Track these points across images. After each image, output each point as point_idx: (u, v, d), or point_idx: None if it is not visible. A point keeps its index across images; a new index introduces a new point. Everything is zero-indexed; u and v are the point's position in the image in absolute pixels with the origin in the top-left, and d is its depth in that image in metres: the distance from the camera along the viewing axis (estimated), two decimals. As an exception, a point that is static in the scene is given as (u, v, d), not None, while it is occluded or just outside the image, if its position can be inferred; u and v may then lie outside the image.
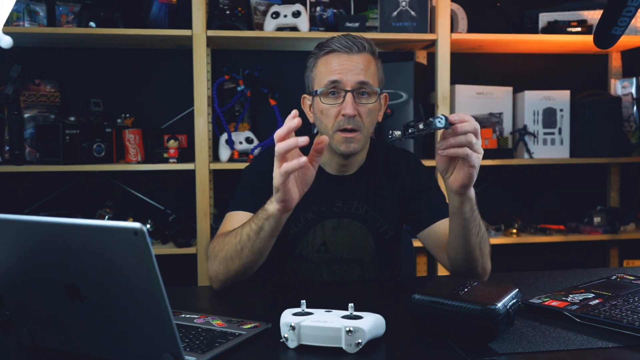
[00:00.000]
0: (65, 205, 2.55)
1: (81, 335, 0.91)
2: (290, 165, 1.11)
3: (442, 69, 2.49)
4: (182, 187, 2.55)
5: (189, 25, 2.35)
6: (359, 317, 0.95)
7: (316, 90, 1.44)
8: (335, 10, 2.51)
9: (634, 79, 2.79)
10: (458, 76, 2.64)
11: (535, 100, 2.65)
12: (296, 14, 2.40)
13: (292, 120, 1.10)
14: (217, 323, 1.05)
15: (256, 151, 2.44)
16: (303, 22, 2.40)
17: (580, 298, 1.17)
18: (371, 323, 0.95)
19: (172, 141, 2.41)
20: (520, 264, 2.86)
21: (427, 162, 1.67)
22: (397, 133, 1.15)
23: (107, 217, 2.44)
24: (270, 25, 2.41)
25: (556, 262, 2.89)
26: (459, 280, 1.10)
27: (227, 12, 2.38)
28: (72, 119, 2.37)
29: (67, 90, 2.56)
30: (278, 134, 1.11)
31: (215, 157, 2.54)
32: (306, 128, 2.55)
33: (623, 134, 2.75)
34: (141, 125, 2.52)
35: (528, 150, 2.64)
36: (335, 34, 1.49)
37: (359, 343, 0.92)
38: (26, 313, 0.95)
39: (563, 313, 1.10)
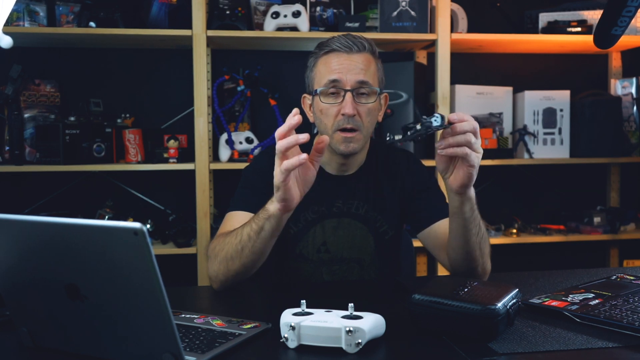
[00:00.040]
0: (65, 205, 2.55)
1: (81, 335, 0.91)
2: (290, 162, 1.11)
3: (442, 69, 2.49)
4: (182, 187, 2.55)
5: (189, 25, 2.35)
6: (359, 317, 0.95)
7: (316, 90, 1.44)
8: (335, 10, 2.51)
9: (634, 79, 2.79)
10: (458, 76, 2.64)
11: (535, 100, 2.65)
12: (296, 14, 2.40)
13: (293, 118, 1.11)
14: (217, 323, 1.05)
15: (256, 151, 2.44)
16: (303, 22, 2.40)
17: (580, 298, 1.17)
18: (371, 323, 0.95)
19: (172, 141, 2.41)
20: (520, 264, 2.86)
21: (427, 162, 1.67)
22: (397, 137, 1.15)
23: (107, 217, 2.44)
24: (270, 25, 2.41)
25: (556, 262, 2.89)
26: (459, 280, 1.10)
27: (227, 12, 2.38)
28: (72, 119, 2.37)
29: (67, 90, 2.56)
30: (279, 131, 1.11)
31: (215, 157, 2.54)
32: (306, 128, 2.55)
33: (623, 134, 2.75)
34: (141, 125, 2.52)
35: (528, 150, 2.64)
36: (335, 34, 1.49)
37: (359, 343, 0.92)
38: (26, 313, 0.95)
39: (563, 313, 1.10)
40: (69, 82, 2.57)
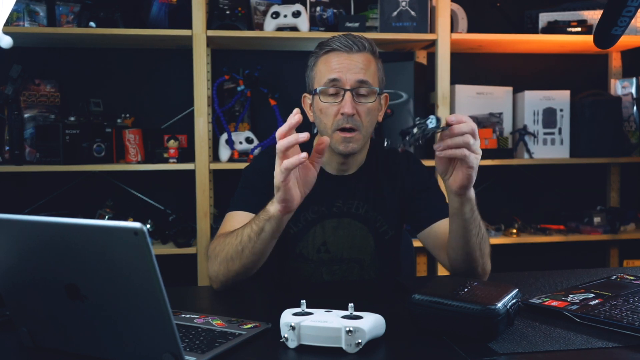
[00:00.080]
0: (65, 205, 2.55)
1: (81, 335, 0.91)
2: (290, 161, 1.11)
3: (442, 69, 2.49)
4: (182, 187, 2.55)
5: (189, 25, 2.35)
6: (359, 317, 0.95)
7: (316, 89, 1.44)
8: (335, 10, 2.51)
9: (634, 79, 2.79)
10: (458, 76, 2.64)
11: (535, 100, 2.65)
12: (296, 14, 2.40)
13: (293, 117, 1.10)
14: (217, 323, 1.05)
15: (256, 151, 2.44)
16: (303, 22, 2.40)
17: (580, 298, 1.17)
18: (371, 323, 0.95)
19: (172, 141, 2.41)
20: (520, 264, 2.86)
21: (427, 162, 1.67)
22: (398, 144, 1.14)
23: (107, 217, 2.44)
24: (270, 25, 2.41)
25: (556, 262, 2.89)
26: (459, 280, 1.10)
27: (227, 12, 2.38)
28: (72, 119, 2.37)
29: (67, 90, 2.56)
30: (279, 131, 1.11)
31: (215, 157, 2.54)
32: (306, 127, 2.55)
33: (623, 134, 2.75)
34: (141, 125, 2.52)
35: (528, 150, 2.64)
36: (335, 34, 1.49)
37: (359, 343, 0.92)
38: (26, 313, 0.95)
39: (563, 313, 1.10)
40: (69, 82, 2.57)
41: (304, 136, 1.10)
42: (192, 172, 2.39)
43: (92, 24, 2.34)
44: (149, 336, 0.85)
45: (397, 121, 2.51)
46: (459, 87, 2.62)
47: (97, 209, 2.49)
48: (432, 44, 2.54)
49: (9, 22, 2.28)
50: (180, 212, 2.58)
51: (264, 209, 1.24)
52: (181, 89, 2.60)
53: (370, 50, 1.45)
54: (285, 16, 2.40)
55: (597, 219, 2.71)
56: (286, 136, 1.11)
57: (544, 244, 2.77)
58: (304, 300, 1.00)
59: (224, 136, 2.46)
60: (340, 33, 1.49)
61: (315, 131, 1.60)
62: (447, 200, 1.29)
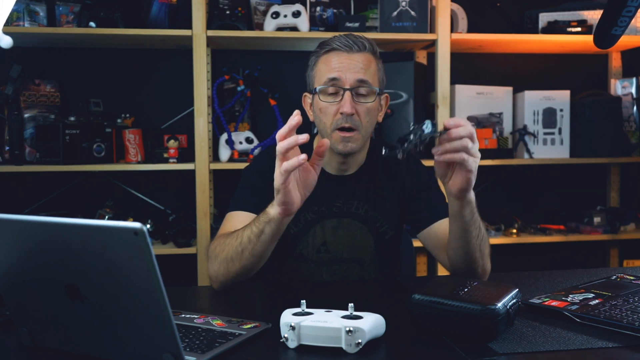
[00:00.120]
0: (65, 205, 2.55)
1: (81, 335, 0.91)
2: (289, 163, 1.11)
3: (442, 69, 2.49)
4: (182, 187, 2.55)
5: (189, 25, 2.35)
6: (359, 317, 0.95)
7: (316, 88, 1.44)
8: (335, 10, 2.51)
9: (634, 79, 2.79)
10: (458, 76, 2.64)
11: (535, 100, 2.65)
12: (296, 14, 2.40)
13: (293, 119, 1.10)
14: (217, 323, 1.05)
15: (256, 151, 2.44)
16: (303, 22, 2.40)
17: (580, 298, 1.17)
18: (371, 323, 0.95)
19: (172, 141, 2.41)
20: (520, 264, 2.86)
21: (427, 162, 1.67)
22: (397, 152, 1.14)
23: (107, 217, 2.44)
24: (270, 25, 2.41)
25: (556, 262, 2.89)
26: (459, 280, 1.10)
27: (227, 12, 2.38)
28: (72, 119, 2.37)
29: (67, 90, 2.56)
30: (279, 133, 1.11)
31: (215, 157, 2.54)
32: (306, 127, 2.55)
33: (623, 134, 2.75)
34: (141, 125, 2.52)
35: (528, 150, 2.64)
36: (335, 34, 1.49)
37: (359, 343, 0.92)
38: (26, 313, 0.95)
39: (563, 313, 1.10)
40: (69, 82, 2.57)
41: (304, 138, 1.10)
42: (192, 172, 2.39)
43: (92, 24, 2.34)
44: (149, 336, 0.85)
45: (397, 121, 2.51)
46: (459, 87, 2.62)
47: (97, 209, 2.49)
48: (432, 44, 2.54)
49: (9, 22, 2.28)
50: (180, 212, 2.58)
51: (264, 211, 1.23)
52: (181, 89, 2.60)
53: (371, 51, 1.45)
54: (285, 16, 2.40)
55: (597, 219, 2.71)
56: (286, 138, 1.11)
57: (544, 244, 2.77)
58: (304, 300, 1.00)
59: (224, 136, 2.46)
60: (341, 33, 1.49)
61: (315, 131, 1.60)
62: (447, 201, 1.29)
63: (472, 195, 1.23)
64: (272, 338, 1.00)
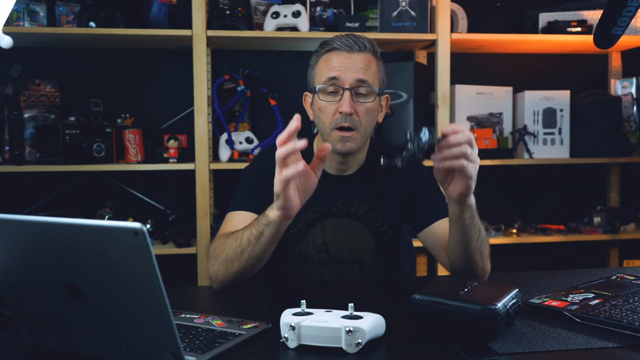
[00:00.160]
0: (65, 205, 2.55)
1: (81, 335, 0.91)
2: (289, 172, 1.10)
3: (442, 69, 2.49)
4: (182, 187, 2.55)
5: (189, 25, 2.35)
6: (359, 317, 0.95)
7: (316, 87, 1.45)
8: (335, 10, 2.51)
9: (634, 79, 2.79)
10: (458, 76, 2.64)
11: (535, 100, 2.65)
12: (296, 14, 2.40)
13: (292, 124, 1.10)
14: (217, 323, 1.05)
15: (256, 151, 2.44)
16: (303, 22, 2.40)
17: (580, 298, 1.17)
18: (371, 323, 0.95)
19: (172, 141, 2.41)
20: (520, 264, 2.86)
21: (427, 162, 1.67)
22: (396, 161, 1.13)
23: (107, 217, 2.44)
24: (270, 25, 2.41)
25: (556, 262, 2.89)
26: (459, 280, 1.10)
27: (227, 12, 2.38)
28: (72, 119, 2.37)
29: (67, 90, 2.56)
30: (279, 138, 1.11)
31: (215, 157, 2.54)
32: (306, 127, 2.55)
33: (623, 134, 2.75)
34: (141, 125, 2.52)
35: (528, 150, 2.64)
36: (335, 34, 1.49)
37: (359, 343, 0.92)
38: (26, 313, 0.95)
39: (563, 313, 1.10)
40: (69, 82, 2.57)
41: (302, 144, 1.09)
42: (192, 172, 2.39)
43: (92, 24, 2.34)
44: (149, 336, 0.85)
45: (397, 121, 2.51)
46: (459, 87, 2.62)
47: (97, 209, 2.49)
48: (432, 44, 2.54)
49: (9, 22, 2.28)
50: (180, 212, 2.58)
51: (264, 213, 1.23)
52: (181, 89, 2.60)
53: (372, 51, 1.45)
54: (285, 16, 2.40)
55: (597, 219, 2.71)
56: (286, 143, 1.10)
57: (544, 244, 2.77)
58: (304, 300, 1.00)
59: (224, 136, 2.46)
60: (343, 33, 1.49)
61: (315, 131, 1.60)
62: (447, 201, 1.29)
63: (472, 199, 1.23)
64: (272, 338, 1.00)
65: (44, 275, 0.89)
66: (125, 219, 2.38)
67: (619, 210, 2.79)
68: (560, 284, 1.36)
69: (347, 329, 0.92)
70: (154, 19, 2.37)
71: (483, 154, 2.52)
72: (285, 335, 0.95)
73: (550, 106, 2.66)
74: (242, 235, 1.27)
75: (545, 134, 2.65)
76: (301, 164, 1.10)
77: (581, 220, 2.73)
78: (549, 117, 2.65)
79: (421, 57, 2.74)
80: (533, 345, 0.97)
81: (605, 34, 1.25)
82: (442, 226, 1.46)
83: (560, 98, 2.67)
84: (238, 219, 1.42)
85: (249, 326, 1.03)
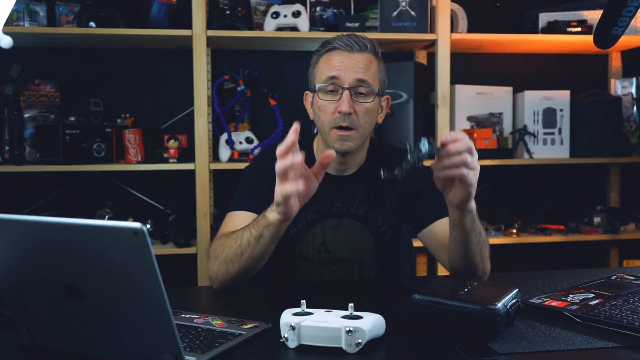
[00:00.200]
0: (65, 205, 2.55)
1: (81, 335, 0.91)
2: (289, 189, 1.12)
3: (442, 69, 2.49)
4: (182, 187, 2.55)
5: (189, 25, 2.35)
6: (359, 317, 0.95)
7: (315, 86, 1.45)
8: (335, 10, 2.51)
9: (634, 79, 2.79)
10: (458, 76, 2.64)
11: (535, 100, 2.65)
12: (296, 14, 2.40)
13: (290, 136, 1.10)
14: (217, 323, 1.05)
15: (256, 151, 2.44)
16: (303, 22, 2.40)
17: (580, 298, 1.17)
18: (371, 323, 0.95)
19: (172, 141, 2.41)
20: (520, 264, 2.86)
21: (427, 162, 1.66)
22: (397, 171, 1.13)
23: (107, 217, 2.44)
24: (270, 25, 2.41)
25: (556, 262, 2.89)
26: (459, 280, 1.10)
27: (227, 12, 2.38)
28: (72, 119, 2.37)
29: (67, 90, 2.56)
30: (278, 150, 1.11)
31: (215, 157, 2.54)
32: (307, 127, 2.55)
33: (623, 134, 2.75)
34: (141, 125, 2.52)
35: (528, 150, 2.64)
36: (335, 34, 1.49)
37: (359, 343, 0.92)
38: (26, 313, 0.95)
39: (563, 313, 1.10)
40: (69, 82, 2.57)
41: (298, 159, 1.10)
42: (192, 172, 2.39)
43: (92, 24, 2.34)
44: (149, 336, 0.85)
45: (397, 121, 2.51)
46: (459, 87, 2.62)
47: (97, 209, 2.49)
48: (432, 44, 2.54)
49: (9, 22, 2.28)
50: (180, 212, 2.58)
51: (263, 215, 1.24)
52: (181, 89, 2.60)
53: (373, 51, 1.45)
54: (285, 16, 2.40)
55: (597, 219, 2.70)
56: (285, 156, 1.11)
57: (544, 244, 2.77)
58: (304, 300, 1.00)
59: (224, 136, 2.46)
60: (345, 33, 1.49)
61: (315, 130, 1.60)
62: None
63: (472, 204, 1.23)
64: (272, 338, 1.00)
65: (44, 275, 0.89)
66: (125, 219, 2.38)
67: (619, 210, 2.79)
68: (560, 284, 1.36)
69: (347, 329, 0.92)
70: (154, 19, 2.37)
71: (483, 154, 2.53)
72: (285, 335, 0.95)
73: (550, 106, 2.66)
74: (242, 236, 1.28)
75: (545, 134, 2.65)
76: (301, 184, 1.12)
77: (581, 220, 2.73)
78: (549, 117, 2.65)
79: (421, 57, 2.74)
80: (533, 345, 0.97)
81: (605, 34, 1.25)
82: (442, 226, 1.46)
83: (560, 98, 2.67)
84: (238, 219, 1.42)
85: (249, 326, 1.03)
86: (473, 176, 1.15)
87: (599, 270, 1.49)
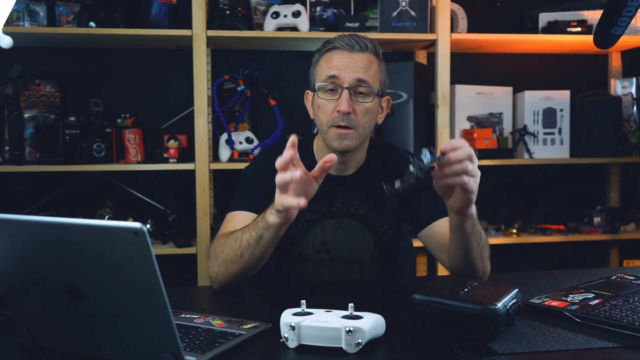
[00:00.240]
0: (65, 205, 2.55)
1: (81, 335, 0.91)
2: (291, 204, 1.13)
3: (442, 69, 2.49)
4: (182, 187, 2.55)
5: (189, 25, 2.35)
6: (359, 317, 0.95)
7: (315, 85, 1.45)
8: (335, 10, 2.51)
9: (634, 79, 2.79)
10: (458, 76, 2.64)
11: (535, 100, 2.65)
12: (296, 14, 2.40)
13: (287, 152, 1.11)
14: (217, 323, 1.05)
15: (256, 151, 2.44)
16: (303, 22, 2.40)
17: (580, 298, 1.17)
18: (371, 323, 0.95)
19: (172, 141, 2.41)
20: (520, 264, 2.86)
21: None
22: (397, 184, 1.12)
23: (107, 217, 2.44)
24: (270, 25, 2.41)
25: (556, 262, 2.89)
26: (459, 280, 1.10)
27: (227, 12, 2.38)
28: (72, 119, 2.37)
29: (67, 90, 2.56)
30: (278, 163, 1.12)
31: (215, 157, 2.54)
32: (307, 126, 2.55)
33: (623, 134, 2.75)
34: (141, 125, 2.52)
35: (528, 150, 2.64)
36: (334, 34, 1.50)
37: (359, 343, 0.92)
38: (26, 313, 0.95)
39: (563, 313, 1.10)
40: (69, 82, 2.57)
41: (297, 175, 1.11)
42: (192, 172, 2.39)
43: (92, 24, 2.34)
44: (149, 336, 0.85)
45: (397, 121, 2.51)
46: (459, 87, 2.62)
47: (97, 209, 2.49)
48: (432, 44, 2.54)
49: (9, 22, 2.28)
50: (180, 212, 2.58)
51: (263, 217, 1.24)
52: (181, 89, 2.60)
53: (373, 51, 1.45)
54: (285, 16, 2.40)
55: (597, 219, 2.70)
56: (284, 169, 1.12)
57: (544, 244, 2.77)
58: (304, 300, 1.00)
59: (224, 136, 2.46)
60: (346, 33, 1.50)
61: (315, 131, 1.60)
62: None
63: (473, 209, 1.23)
64: (272, 338, 1.00)
65: (44, 275, 0.89)
66: (125, 219, 2.38)
67: (619, 210, 2.79)
68: (560, 284, 1.36)
69: (347, 329, 0.92)
70: (154, 19, 2.37)
71: (483, 154, 2.53)
72: (285, 335, 0.95)
73: (550, 106, 2.66)
74: (242, 238, 1.28)
75: (545, 134, 2.65)
76: (302, 201, 1.12)
77: (581, 220, 2.73)
78: (549, 117, 2.65)
79: (421, 57, 2.74)
80: (533, 345, 0.97)
81: (605, 34, 1.25)
82: (442, 226, 1.46)
83: (560, 98, 2.67)
84: (238, 219, 1.42)
85: (249, 326, 1.03)
86: (474, 183, 1.15)
87: (599, 270, 1.49)
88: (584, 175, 2.91)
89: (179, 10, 2.41)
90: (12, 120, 2.30)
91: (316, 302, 1.04)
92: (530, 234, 2.70)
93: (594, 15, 2.66)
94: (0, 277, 0.93)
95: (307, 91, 1.53)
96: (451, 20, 2.50)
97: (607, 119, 2.65)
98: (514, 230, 2.66)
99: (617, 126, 2.68)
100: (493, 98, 2.67)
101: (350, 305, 0.97)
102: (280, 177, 1.12)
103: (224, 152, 2.46)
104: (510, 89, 2.70)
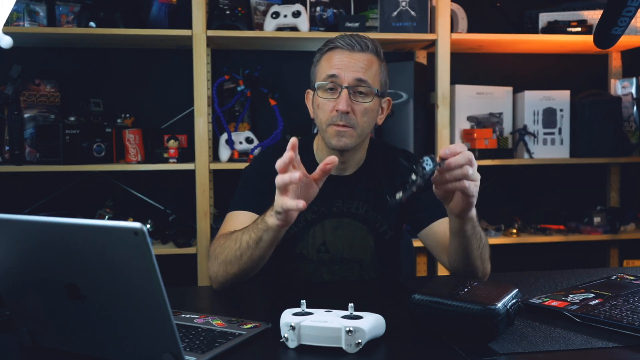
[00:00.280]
0: (65, 205, 2.55)
1: (81, 335, 0.91)
2: (290, 206, 1.13)
3: (442, 69, 2.49)
4: (182, 187, 2.55)
5: (189, 25, 2.35)
6: (359, 317, 0.95)
7: (315, 84, 1.45)
8: (335, 10, 2.51)
9: (634, 79, 2.79)
10: (458, 76, 2.64)
11: (535, 100, 2.65)
12: (296, 14, 2.40)
13: (287, 153, 1.10)
14: (217, 323, 1.05)
15: (256, 151, 2.44)
16: (303, 22, 2.40)
17: (580, 298, 1.17)
18: (371, 323, 0.95)
19: (172, 141, 2.41)
20: (520, 264, 2.86)
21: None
22: (399, 194, 1.11)
23: (107, 217, 2.44)
24: (270, 25, 2.41)
25: (556, 262, 2.89)
26: (459, 280, 1.10)
27: (227, 12, 2.38)
28: (72, 119, 2.37)
29: (67, 90, 2.56)
30: (278, 165, 1.12)
31: (215, 157, 2.54)
32: (307, 126, 2.55)
33: (623, 134, 2.75)
34: (141, 125, 2.52)
35: (528, 150, 2.64)
36: (334, 34, 1.50)
37: (359, 343, 0.92)
38: (26, 313, 0.95)
39: (563, 313, 1.10)
40: (69, 82, 2.57)
41: (296, 177, 1.10)
42: (192, 172, 2.39)
43: (92, 24, 2.34)
44: (149, 336, 0.85)
45: (397, 121, 2.51)
46: (459, 87, 2.62)
47: (97, 209, 2.49)
48: (432, 44, 2.54)
49: (9, 22, 2.28)
50: (180, 212, 2.58)
51: (263, 219, 1.23)
52: (181, 89, 2.60)
53: (374, 52, 1.45)
54: (285, 16, 2.40)
55: (597, 219, 2.71)
56: (284, 171, 1.11)
57: (544, 244, 2.77)
58: (304, 300, 1.00)
59: (224, 136, 2.46)
60: (348, 33, 1.50)
61: (315, 130, 1.60)
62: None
63: (473, 212, 1.23)
64: (272, 338, 1.00)
65: (44, 275, 0.89)
66: (125, 219, 2.38)
67: (619, 210, 2.79)
68: (560, 284, 1.36)
69: (347, 329, 0.92)
70: (154, 19, 2.37)
71: (483, 154, 2.53)
72: (285, 335, 0.95)
73: (550, 106, 2.66)
74: (242, 239, 1.28)
75: (545, 134, 2.65)
76: (302, 203, 1.12)
77: (581, 220, 2.74)
78: (549, 117, 2.65)
79: (421, 57, 2.74)
80: (533, 345, 0.97)
81: (605, 34, 1.25)
82: (442, 226, 1.46)
83: (560, 98, 2.67)
84: (238, 219, 1.42)
85: (249, 326, 1.03)
86: (474, 187, 1.15)
87: (599, 270, 1.49)
88: (584, 175, 2.91)
89: (179, 10, 2.41)
90: (12, 120, 2.30)
91: (316, 302, 1.04)
92: (530, 234, 2.71)
93: (594, 15, 2.66)
94: (0, 277, 0.93)
95: (308, 90, 1.53)
96: (451, 20, 2.50)
97: (607, 119, 2.65)
98: (514, 230, 2.66)
99: (617, 126, 2.68)
100: (493, 98, 2.67)
101: (350, 305, 0.97)
102: (279, 179, 1.12)
103: (224, 152, 2.46)
104: (510, 89, 2.70)
